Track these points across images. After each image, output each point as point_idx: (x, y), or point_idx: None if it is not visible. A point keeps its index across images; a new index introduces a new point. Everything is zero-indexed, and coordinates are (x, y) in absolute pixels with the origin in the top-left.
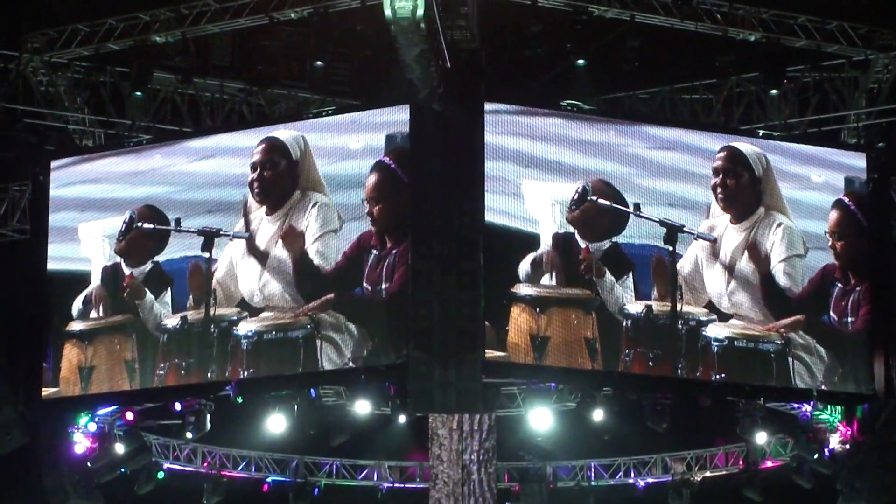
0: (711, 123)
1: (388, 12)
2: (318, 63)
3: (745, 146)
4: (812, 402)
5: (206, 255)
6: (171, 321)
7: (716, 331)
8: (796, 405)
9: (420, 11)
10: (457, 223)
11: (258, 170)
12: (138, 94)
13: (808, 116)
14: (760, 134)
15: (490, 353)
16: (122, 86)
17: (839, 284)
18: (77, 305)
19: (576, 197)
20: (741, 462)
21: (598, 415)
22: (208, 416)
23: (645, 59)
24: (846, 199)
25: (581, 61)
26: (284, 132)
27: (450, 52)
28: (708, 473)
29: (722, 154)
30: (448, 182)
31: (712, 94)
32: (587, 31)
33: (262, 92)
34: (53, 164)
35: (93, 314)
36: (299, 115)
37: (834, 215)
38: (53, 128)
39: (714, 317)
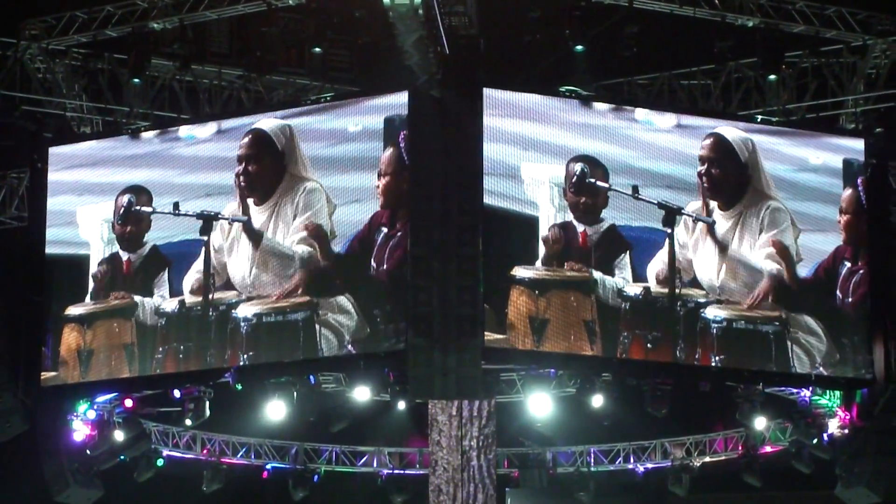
0: (710, 109)
1: None
2: (317, 49)
3: (730, 132)
4: (811, 387)
5: (205, 238)
6: (170, 305)
7: (714, 312)
8: (795, 390)
9: None
10: (456, 209)
11: (243, 164)
12: (136, 80)
13: (807, 102)
14: (759, 119)
15: (489, 336)
16: (120, 73)
17: (847, 264)
18: (88, 288)
19: (574, 180)
20: (740, 447)
21: (597, 400)
22: (207, 403)
23: (643, 45)
24: (857, 179)
25: (580, 47)
26: (269, 122)
27: (448, 38)
28: (707, 459)
29: (707, 142)
30: (447, 168)
31: (711, 79)
32: (586, 16)
33: (260, 78)
34: (51, 148)
35: (92, 298)
36: (298, 102)
37: (847, 194)
38: (51, 115)
39: (713, 298)
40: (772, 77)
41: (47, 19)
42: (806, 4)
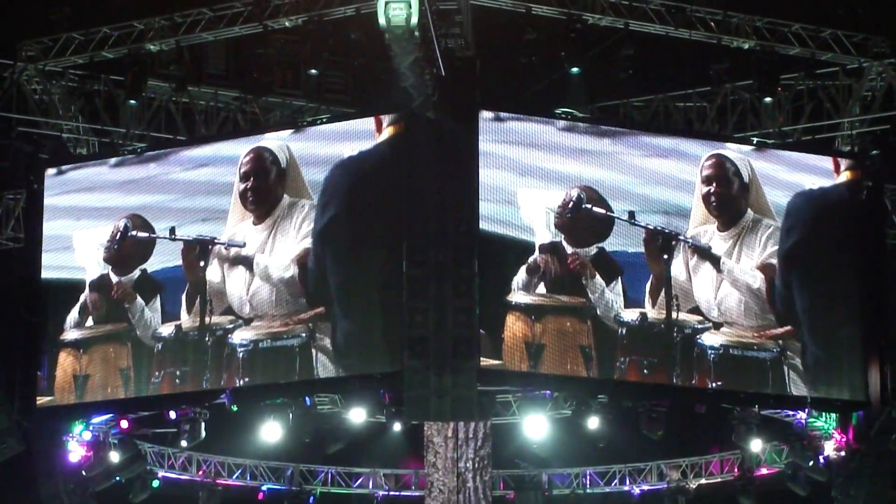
0: (705, 131)
1: (382, 20)
2: (313, 71)
3: (731, 152)
4: (807, 410)
5: (201, 263)
6: (166, 329)
7: (711, 339)
8: (791, 412)
9: (414, 19)
10: (452, 231)
11: (250, 179)
12: (132, 102)
13: (802, 124)
14: (755, 142)
15: (485, 362)
16: (117, 94)
17: None
18: (73, 315)
19: (570, 205)
20: (736, 469)
21: (593, 422)
22: (203, 425)
23: (639, 67)
24: None
25: (575, 69)
26: (271, 141)
27: (444, 59)
28: (703, 481)
29: (711, 162)
30: (443, 189)
31: (706, 101)
32: (581, 39)
33: (256, 100)
34: (48, 172)
35: (87, 323)
36: (294, 123)
37: None
38: (48, 136)
39: (709, 325)
40: (767, 99)
41: (44, 41)
42: (802, 27)
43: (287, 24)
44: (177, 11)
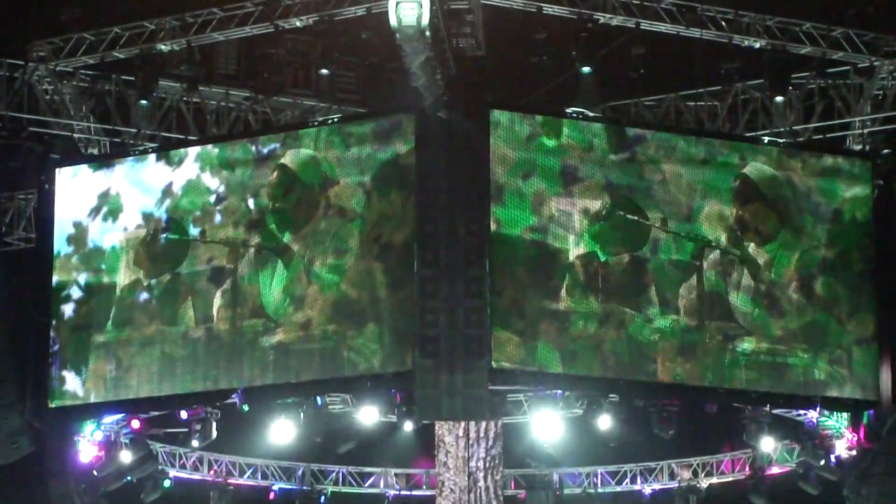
0: (716, 131)
1: (393, 20)
2: (324, 71)
3: (758, 172)
4: (818, 408)
5: (231, 266)
6: (196, 333)
7: (743, 345)
8: (802, 411)
9: (425, 19)
10: (463, 230)
11: (274, 201)
12: (144, 102)
13: (814, 123)
14: (766, 141)
15: (520, 368)
16: (128, 94)
17: None
18: (104, 319)
19: (603, 212)
20: (748, 468)
21: (604, 421)
22: (214, 424)
23: (650, 67)
24: None
25: (586, 69)
26: (294, 157)
27: (455, 59)
28: (714, 480)
29: (735, 185)
30: (454, 189)
31: (717, 101)
32: (592, 38)
33: (267, 100)
34: (72, 172)
35: (118, 326)
36: (305, 124)
37: None
38: (59, 136)
39: (742, 331)
40: (778, 98)
41: (55, 41)
42: (813, 26)
43: (298, 24)
44: (188, 11)
